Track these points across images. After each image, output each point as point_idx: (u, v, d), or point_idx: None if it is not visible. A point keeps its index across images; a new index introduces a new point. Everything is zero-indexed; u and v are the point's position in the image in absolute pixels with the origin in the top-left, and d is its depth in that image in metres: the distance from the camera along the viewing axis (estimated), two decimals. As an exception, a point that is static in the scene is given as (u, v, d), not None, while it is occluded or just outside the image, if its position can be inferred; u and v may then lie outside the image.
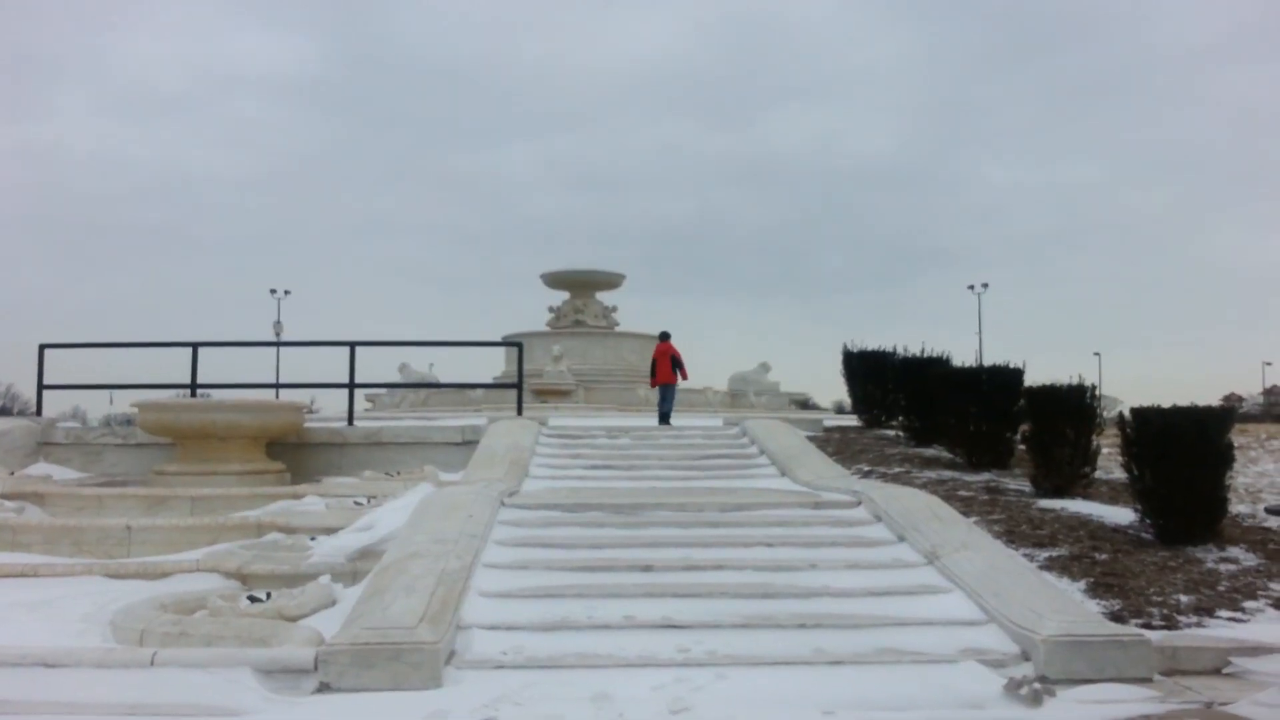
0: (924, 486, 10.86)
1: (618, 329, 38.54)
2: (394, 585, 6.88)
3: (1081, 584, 7.45)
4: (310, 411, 32.89)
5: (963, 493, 10.46)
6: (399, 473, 12.98)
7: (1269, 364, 72.81)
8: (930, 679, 5.92)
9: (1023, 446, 12.27)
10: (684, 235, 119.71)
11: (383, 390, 33.28)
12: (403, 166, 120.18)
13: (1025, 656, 6.31)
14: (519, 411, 15.92)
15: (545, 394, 29.89)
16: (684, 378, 17.05)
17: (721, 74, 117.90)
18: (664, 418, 16.47)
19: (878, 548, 8.45)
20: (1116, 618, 6.79)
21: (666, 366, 16.92)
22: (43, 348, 15.96)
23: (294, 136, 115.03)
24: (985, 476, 11.56)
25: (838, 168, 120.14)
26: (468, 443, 14.45)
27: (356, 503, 11.17)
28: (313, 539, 9.71)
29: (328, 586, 8.05)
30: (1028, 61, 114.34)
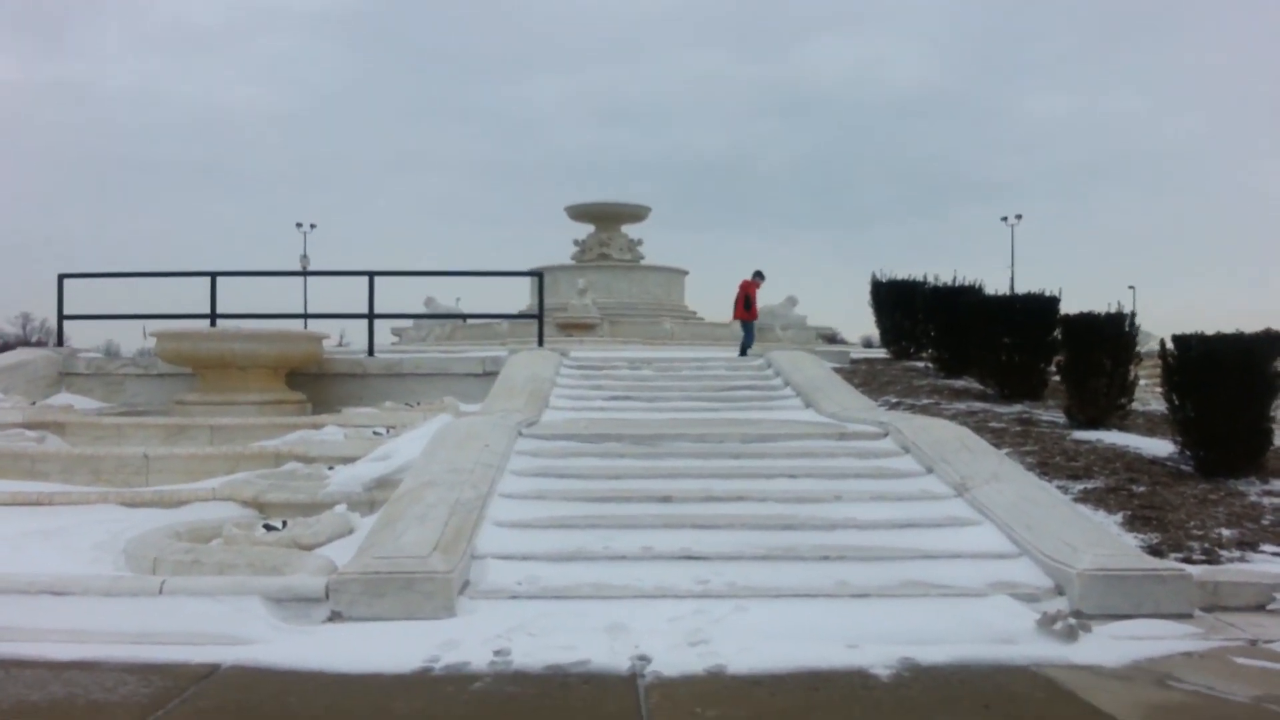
0: (954, 418, 10.57)
1: (643, 263, 38.12)
2: (408, 514, 6.72)
3: (1118, 517, 7.18)
4: (341, 345, 33.06)
5: (994, 424, 10.16)
6: (419, 404, 12.84)
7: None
8: (959, 613, 5.69)
9: (1057, 378, 11.95)
10: (716, 168, 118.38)
11: (409, 324, 33.31)
12: (435, 101, 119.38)
13: (1059, 591, 6.07)
14: (539, 343, 15.71)
15: (570, 328, 29.70)
16: (752, 316, 16.87)
17: (755, 4, 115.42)
18: (741, 350, 16.44)
19: (905, 479, 8.20)
20: (1155, 552, 6.52)
21: (740, 304, 16.88)
22: (62, 277, 15.85)
23: (328, 71, 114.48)
24: (1018, 408, 11.24)
25: (873, 98, 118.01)
26: (488, 374, 14.27)
27: (375, 433, 11.04)
28: (330, 468, 9.59)
29: (344, 515, 7.92)
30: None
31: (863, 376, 13.62)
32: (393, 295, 56.07)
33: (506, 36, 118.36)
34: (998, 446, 8.97)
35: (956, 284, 14.00)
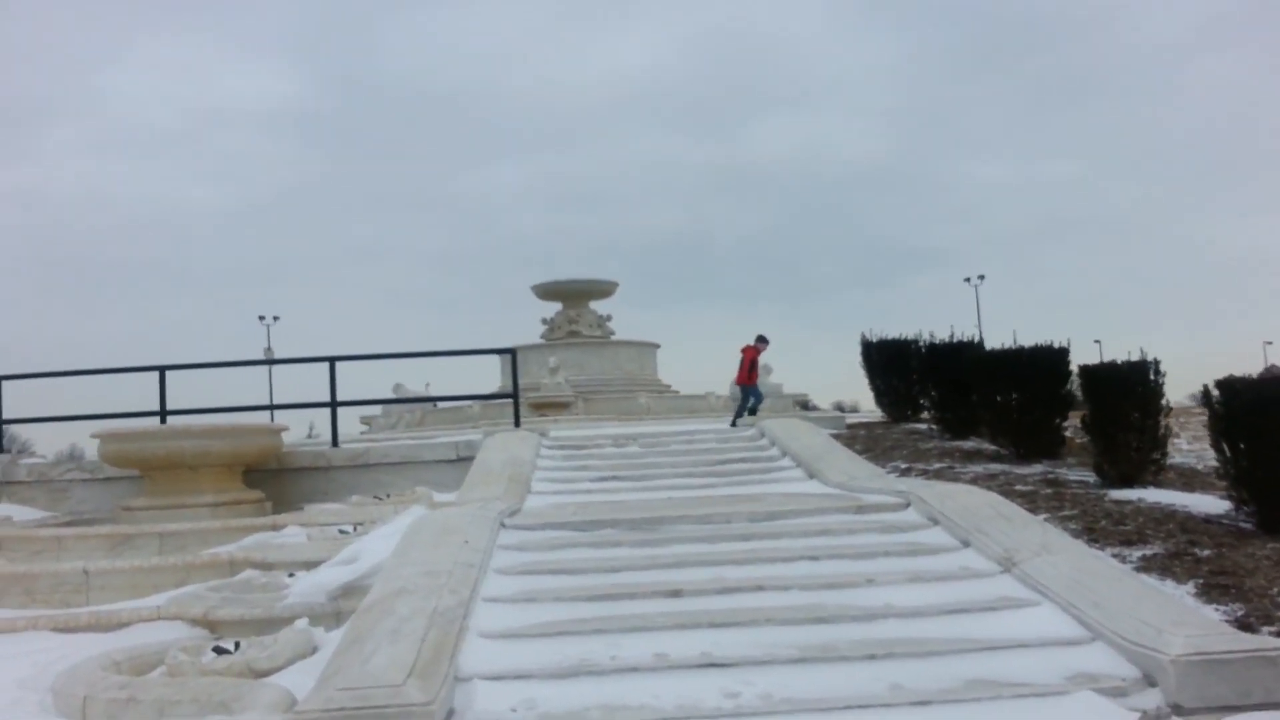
0: (973, 482, 9.75)
1: (614, 338, 37.45)
2: (377, 630, 5.73)
3: (1189, 586, 6.33)
4: (311, 436, 31.83)
5: (1020, 487, 9.33)
6: (389, 496, 11.82)
7: (1270, 343, 71.77)
8: (1042, 717, 4.78)
9: (1069, 434, 11.21)
10: (674, 246, 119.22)
11: (379, 411, 32.28)
12: (391, 193, 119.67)
13: (1149, 681, 5.17)
14: (516, 423, 14.79)
15: (544, 408, 28.76)
16: (754, 380, 16.14)
17: (704, 88, 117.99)
18: (735, 415, 15.80)
19: (940, 555, 7.31)
20: (1244, 625, 5.66)
21: (744, 368, 16.24)
22: (0, 379, 14.78)
23: (282, 168, 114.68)
24: (1039, 468, 10.44)
25: (823, 174, 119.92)
26: (463, 459, 13.31)
27: (341, 531, 10.02)
28: (291, 575, 8.57)
29: (305, 632, 6.90)
30: (1004, 63, 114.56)
31: (863, 442, 12.79)
32: (361, 383, 55.01)
33: (462, 129, 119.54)
34: (1033, 512, 8.12)
35: (954, 340, 13.27)
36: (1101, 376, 9.45)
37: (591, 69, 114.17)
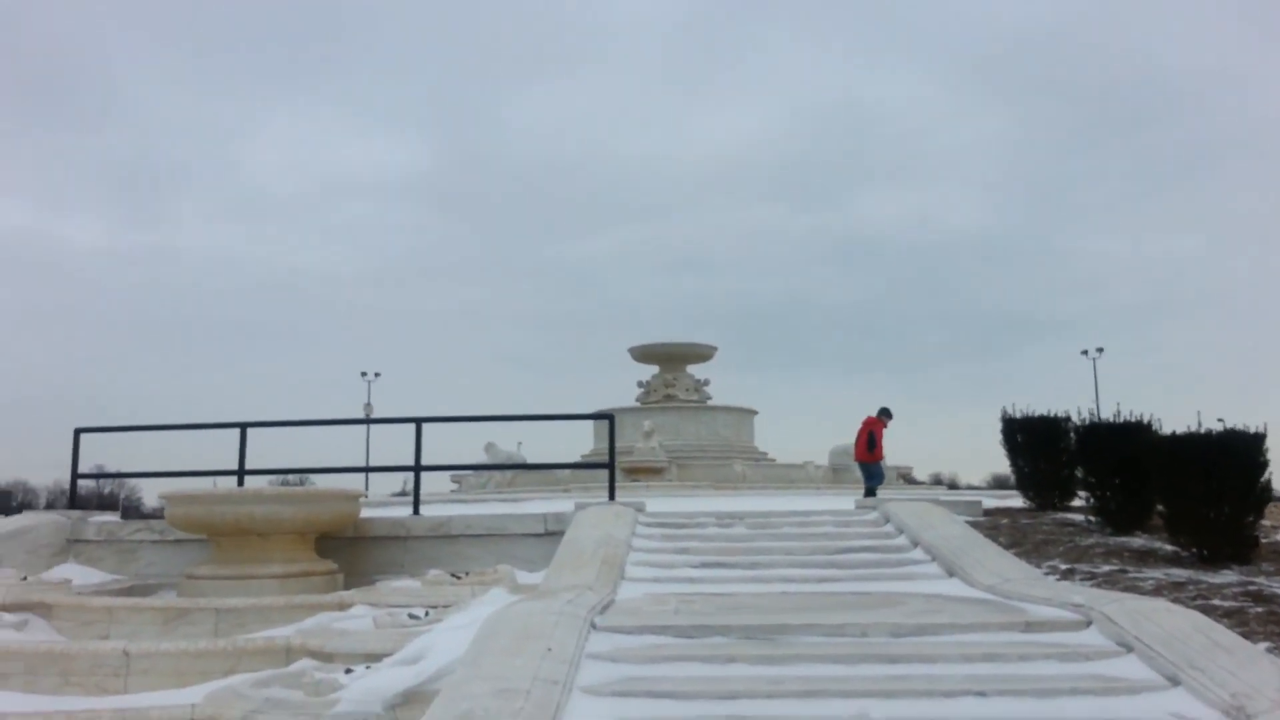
0: (1156, 592, 8.12)
1: (710, 403, 36.14)
2: (432, 776, 4.48)
3: None
4: (403, 493, 31.14)
5: (1218, 602, 7.68)
6: (467, 573, 10.65)
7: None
8: None
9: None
10: (774, 314, 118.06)
11: (469, 472, 31.48)
12: (500, 258, 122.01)
13: None
14: (611, 495, 13.53)
15: (636, 472, 27.61)
16: (877, 458, 15.02)
17: (811, 161, 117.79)
18: (867, 493, 14.86)
19: (1142, 696, 5.74)
20: None
21: (863, 443, 15.18)
22: (78, 432, 14.19)
23: (402, 234, 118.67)
24: (1232, 576, 8.72)
25: (929, 243, 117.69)
26: (551, 533, 12.12)
27: (412, 615, 8.87)
28: (348, 671, 7.40)
29: (353, 758, 5.74)
30: (1116, 135, 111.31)
31: (1007, 533, 11.16)
32: (456, 444, 54.69)
33: (570, 195, 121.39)
34: (1245, 637, 6.49)
35: (1120, 420, 11.55)
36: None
37: (700, 139, 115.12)
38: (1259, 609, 7.37)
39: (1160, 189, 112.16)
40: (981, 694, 5.72)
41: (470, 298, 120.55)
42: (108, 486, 61.35)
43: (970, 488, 47.89)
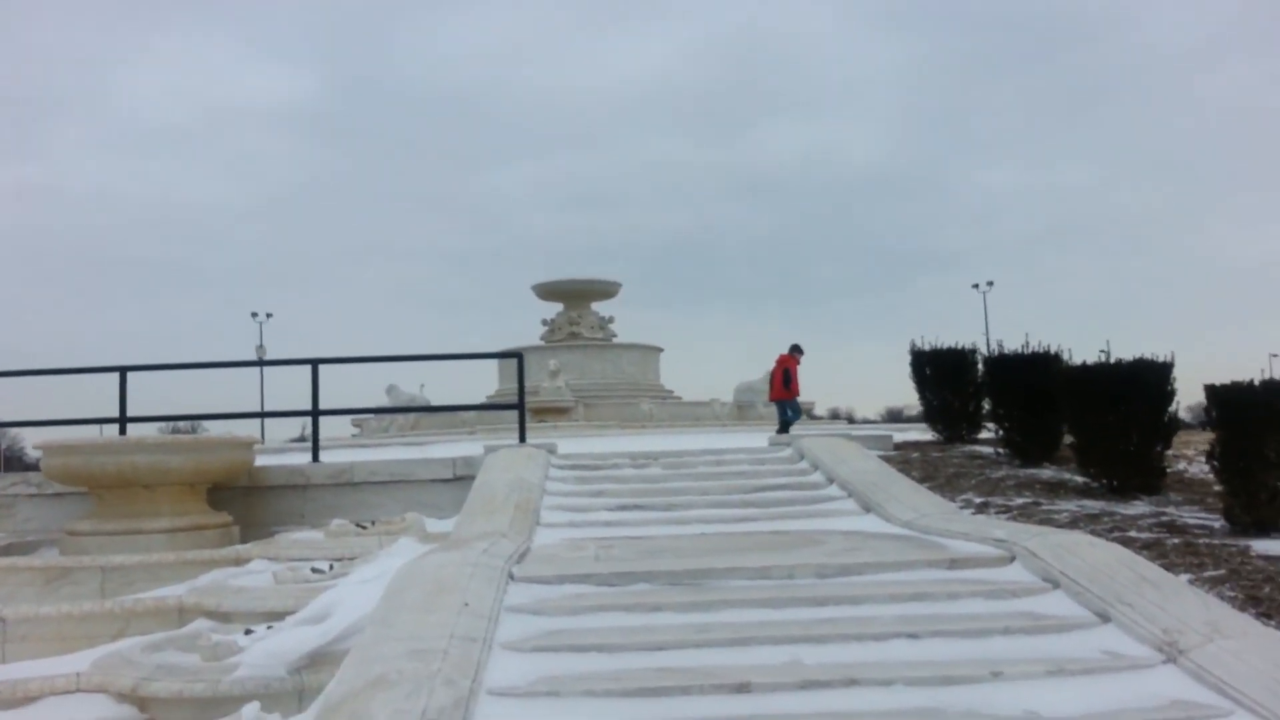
0: (1073, 524, 8.17)
1: (616, 340, 35.83)
2: (344, 749, 4.12)
3: None
4: (302, 439, 30.13)
5: (1134, 534, 7.75)
6: (373, 523, 10.20)
7: (1276, 355, 70.14)
8: None
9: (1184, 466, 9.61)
10: (680, 249, 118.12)
11: (371, 415, 30.62)
12: (399, 192, 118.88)
13: None
14: (521, 438, 13.15)
15: (543, 413, 27.21)
16: (794, 394, 14.84)
17: (714, 92, 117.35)
18: (781, 428, 14.78)
19: (1072, 633, 5.70)
20: None
21: (778, 380, 14.99)
22: (-51, 381, 13.12)
23: (294, 166, 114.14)
24: (1144, 507, 8.85)
25: (831, 178, 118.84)
26: (460, 479, 11.73)
27: (315, 569, 8.43)
28: (248, 632, 6.98)
29: (255, 722, 5.34)
30: (1015, 69, 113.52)
31: (919, 467, 11.18)
32: (356, 387, 53.46)
33: (473, 129, 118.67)
34: (1167, 569, 6.52)
35: (1029, 351, 11.58)
36: (1235, 400, 7.85)
37: (602, 73, 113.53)
38: (1175, 540, 7.45)
39: (1053, 121, 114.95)
40: (913, 635, 5.59)
41: (367, 234, 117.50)
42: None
43: (866, 421, 48.76)
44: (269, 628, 7.01)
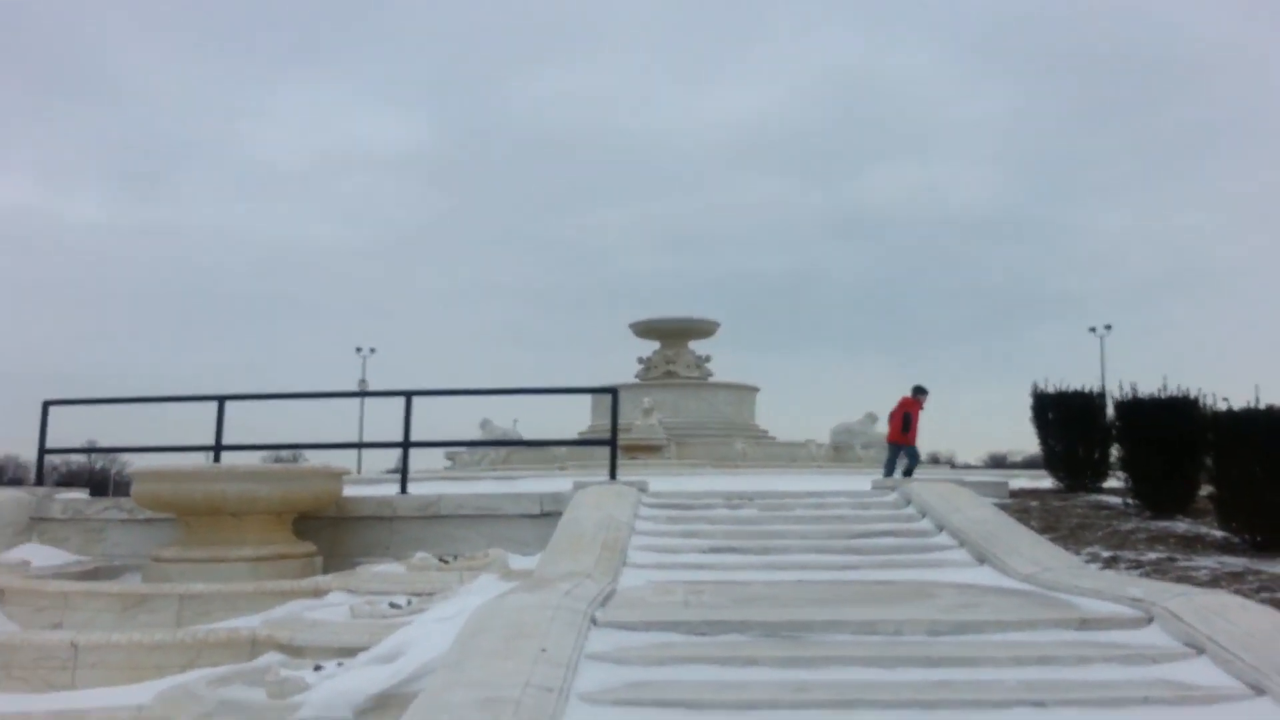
0: (1210, 583, 7.35)
1: (711, 379, 35.33)
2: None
3: None
4: (397, 471, 30.39)
5: (1286, 595, 6.90)
6: (455, 557, 9.86)
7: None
8: None
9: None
10: (779, 290, 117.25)
11: (464, 449, 30.67)
12: (505, 234, 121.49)
13: None
14: (612, 475, 12.74)
15: (634, 450, 26.83)
16: (911, 440, 14.10)
17: (816, 134, 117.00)
18: (887, 473, 14.14)
19: (1221, 705, 4.98)
20: None
21: (897, 423, 14.23)
22: (46, 404, 13.37)
23: (404, 208, 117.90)
24: (1295, 567, 7.95)
25: (933, 219, 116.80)
26: (547, 514, 11.37)
27: (393, 604, 8.10)
28: (318, 668, 6.65)
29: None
30: (1124, 113, 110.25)
31: (1039, 517, 10.38)
32: (451, 421, 53.94)
33: (572, 171, 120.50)
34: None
35: (1165, 395, 10.69)
36: None
37: (706, 116, 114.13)
38: (1339, 605, 6.58)
39: (1165, 167, 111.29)
40: (1039, 704, 4.95)
41: (470, 274, 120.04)
42: (99, 462, 60.62)
43: (968, 467, 47.11)
44: (340, 664, 6.68)
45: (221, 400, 12.92)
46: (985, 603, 6.88)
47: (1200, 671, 5.40)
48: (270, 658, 7.25)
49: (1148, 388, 10.74)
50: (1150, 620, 6.12)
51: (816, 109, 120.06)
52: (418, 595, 8.45)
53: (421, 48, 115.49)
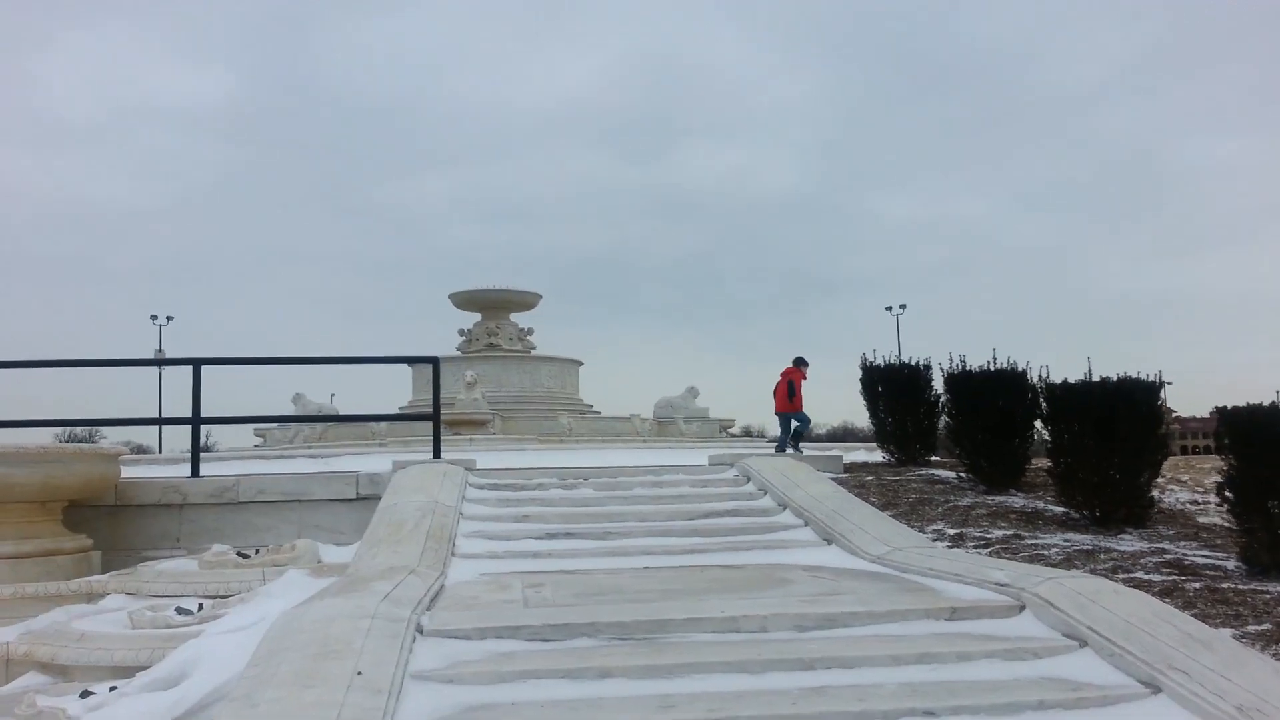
0: (1065, 562, 7.18)
1: (534, 353, 34.52)
2: None
3: None
4: (207, 449, 28.08)
5: (1141, 575, 6.77)
6: (258, 550, 8.74)
7: (1170, 383, 72.19)
8: None
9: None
10: (599, 265, 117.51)
11: (275, 426, 28.75)
12: (314, 197, 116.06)
13: None
14: (436, 453, 11.78)
15: (458, 424, 25.76)
16: (797, 406, 13.48)
17: (634, 112, 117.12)
18: (778, 447, 13.64)
19: (1119, 707, 4.63)
20: None
21: (783, 393, 13.60)
22: None
23: (204, 166, 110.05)
24: (1140, 543, 7.91)
25: (744, 202, 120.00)
26: (364, 498, 10.35)
27: (180, 610, 7.00)
28: (85, 695, 5.55)
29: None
30: (920, 101, 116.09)
31: (877, 492, 10.12)
32: (263, 394, 50.91)
33: (394, 139, 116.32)
34: (1204, 622, 5.51)
35: (995, 368, 10.58)
36: (1254, 424, 6.92)
37: (525, 90, 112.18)
38: (1195, 584, 6.47)
39: (958, 152, 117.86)
40: (930, 713, 4.46)
41: (280, 239, 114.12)
42: None
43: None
44: (113, 689, 5.59)
45: (-23, 371, 11.20)
46: (845, 589, 6.42)
47: (1088, 667, 5.05)
48: (28, 680, 6.08)
49: (997, 357, 10.64)
50: (1022, 608, 5.78)
51: (635, 87, 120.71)
52: (212, 598, 7.35)
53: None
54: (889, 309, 54.28)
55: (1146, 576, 6.71)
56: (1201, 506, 10.15)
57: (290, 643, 4.78)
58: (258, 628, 5.69)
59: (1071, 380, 8.94)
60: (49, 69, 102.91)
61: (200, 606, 6.98)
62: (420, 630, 5.29)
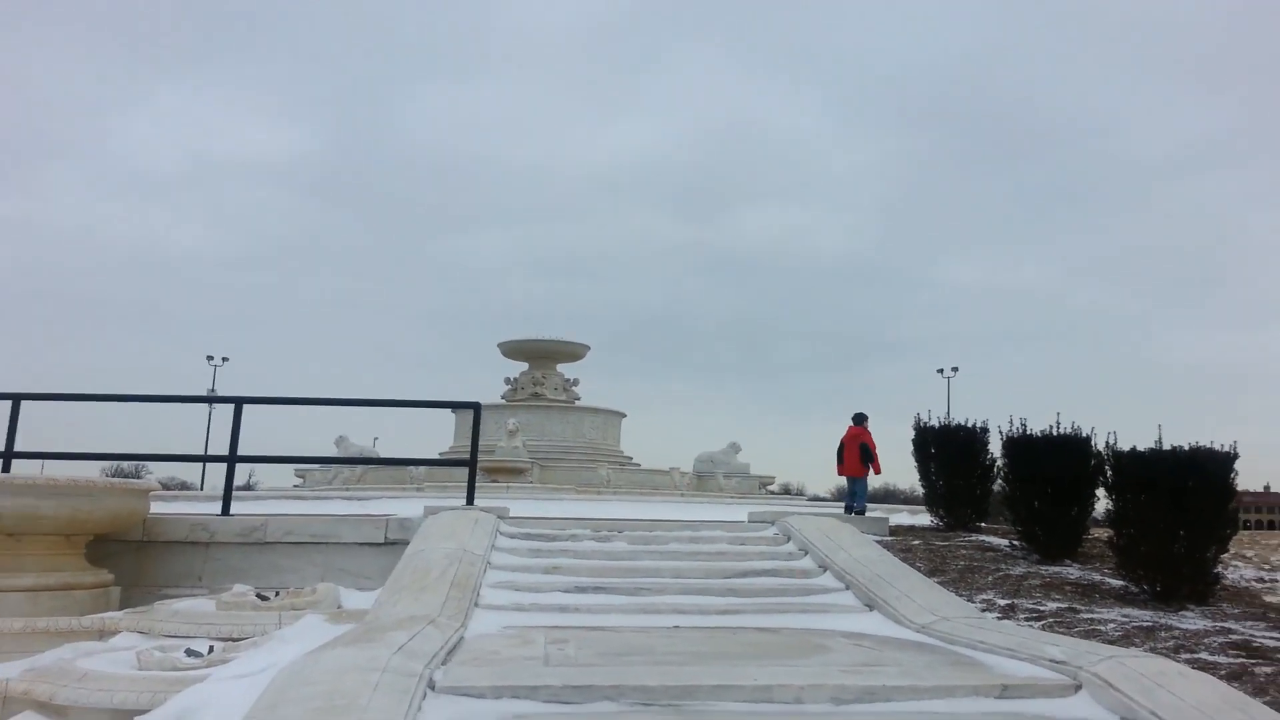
0: (1123, 639, 6.70)
1: (579, 403, 34.35)
2: None
3: None
4: (249, 486, 28.10)
5: (1207, 656, 6.28)
6: (278, 592, 8.51)
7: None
8: None
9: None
10: (650, 321, 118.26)
11: (316, 467, 28.78)
12: (380, 250, 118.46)
13: None
14: (469, 499, 11.52)
15: (497, 472, 25.61)
16: (875, 471, 12.74)
17: (693, 173, 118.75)
18: (848, 510, 12.80)
19: (1185, 803, 4.20)
20: None
21: (854, 455, 12.76)
22: None
23: (280, 218, 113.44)
24: (1202, 622, 7.39)
25: (801, 261, 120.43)
26: (393, 543, 10.12)
27: (190, 652, 6.75)
28: (81, 738, 5.27)
29: None
30: (990, 170, 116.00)
31: (924, 558, 9.67)
32: (309, 436, 51.56)
33: (456, 193, 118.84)
34: (1278, 711, 5.04)
35: (1058, 432, 10.12)
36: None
37: (592, 148, 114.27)
38: (1266, 667, 5.97)
39: (1017, 224, 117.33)
40: (977, 802, 4.05)
41: (342, 287, 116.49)
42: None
43: (817, 499, 47.37)
44: (112, 733, 5.34)
45: (16, 399, 11.20)
46: (887, 660, 6.02)
47: (1144, 754, 4.63)
48: (23, 720, 5.82)
49: (1061, 422, 10.10)
50: (1079, 687, 5.35)
51: (697, 149, 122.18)
52: (225, 640, 7.10)
53: (313, 59, 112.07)
54: (940, 371, 53.68)
55: (1212, 658, 6.22)
56: (1269, 585, 9.58)
57: (293, 695, 4.51)
58: (265, 674, 5.42)
59: (1140, 448, 8.47)
60: (137, 124, 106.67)
61: (211, 649, 6.73)
62: (432, 686, 4.99)
